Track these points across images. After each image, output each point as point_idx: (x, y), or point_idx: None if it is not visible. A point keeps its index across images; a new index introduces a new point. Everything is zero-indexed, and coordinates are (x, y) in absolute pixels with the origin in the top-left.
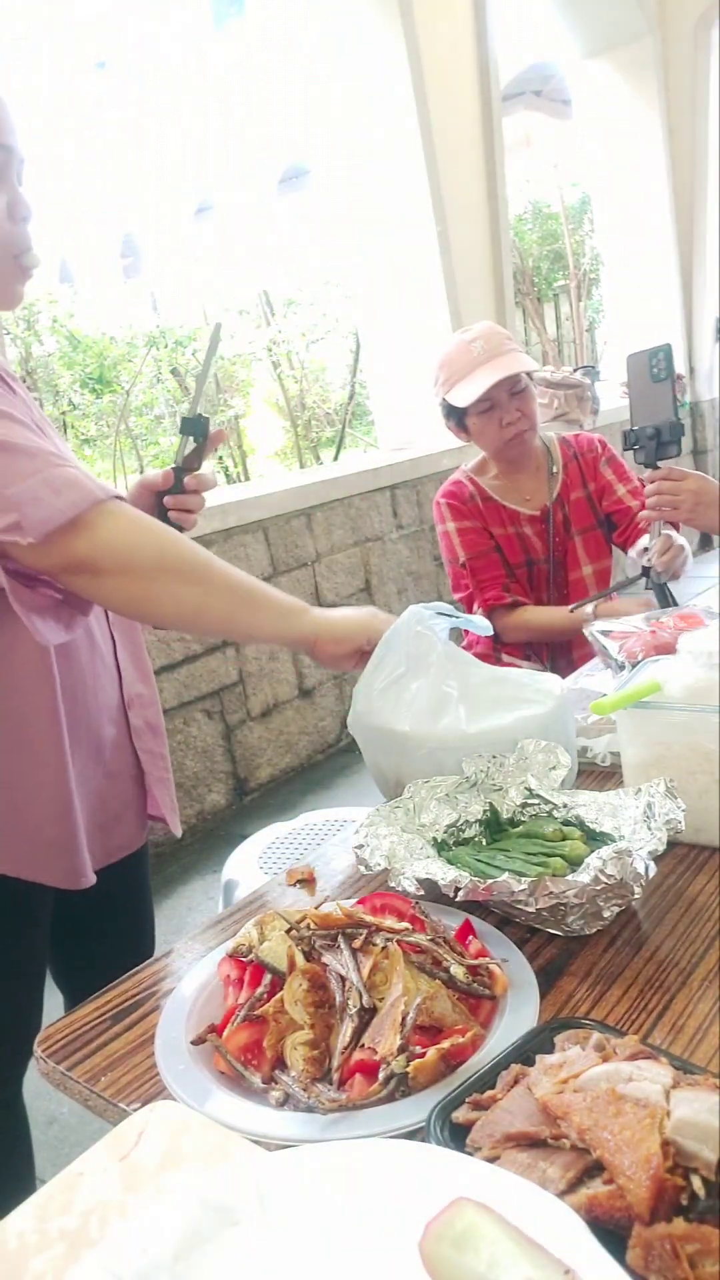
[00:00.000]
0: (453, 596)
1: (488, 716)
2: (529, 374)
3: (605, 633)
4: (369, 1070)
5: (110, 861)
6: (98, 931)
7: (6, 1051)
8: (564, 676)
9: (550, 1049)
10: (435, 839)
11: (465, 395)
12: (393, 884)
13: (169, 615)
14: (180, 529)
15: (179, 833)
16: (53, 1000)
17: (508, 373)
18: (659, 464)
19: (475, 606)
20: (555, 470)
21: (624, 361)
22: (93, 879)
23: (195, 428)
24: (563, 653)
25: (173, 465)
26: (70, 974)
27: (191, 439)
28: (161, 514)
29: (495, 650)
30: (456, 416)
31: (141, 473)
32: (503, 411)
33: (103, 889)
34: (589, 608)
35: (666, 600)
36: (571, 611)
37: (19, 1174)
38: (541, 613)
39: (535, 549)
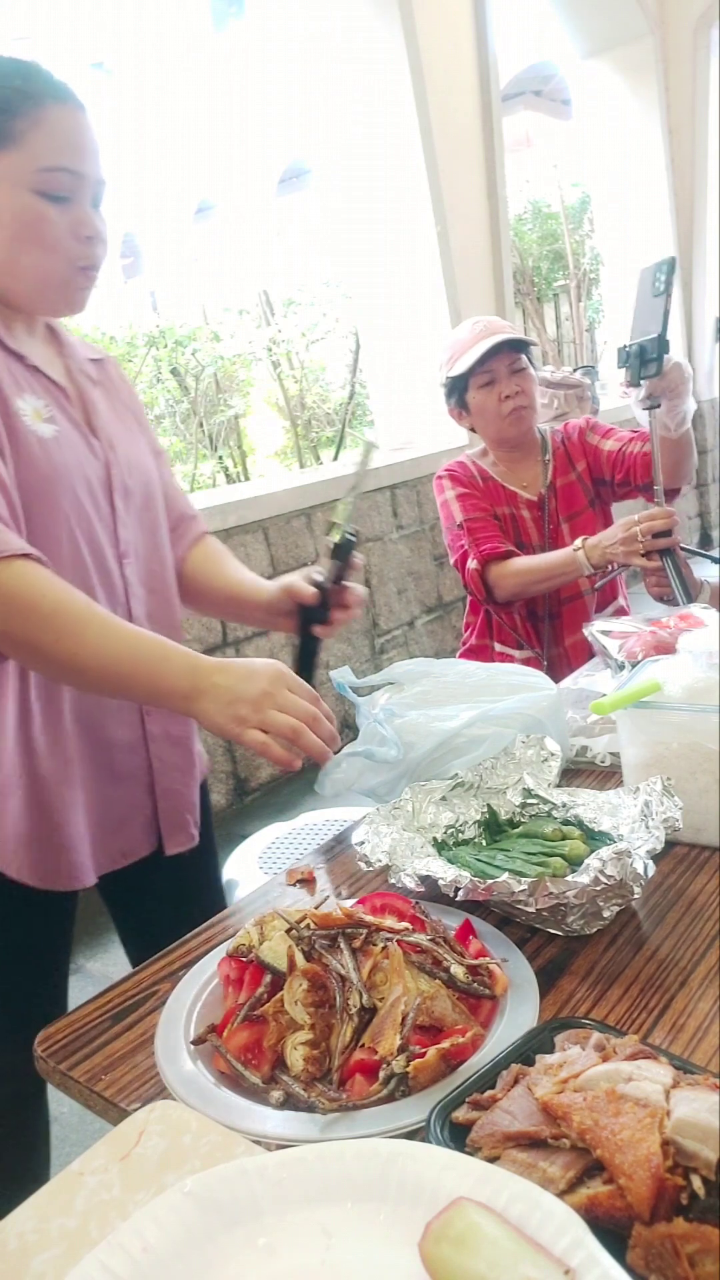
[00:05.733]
0: (453, 571)
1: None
2: (528, 356)
3: (605, 633)
4: (369, 1070)
5: (115, 867)
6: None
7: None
8: (558, 665)
9: (550, 1049)
10: (435, 839)
11: (465, 363)
12: (393, 881)
13: (51, 675)
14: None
15: (169, 851)
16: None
17: (508, 336)
18: (641, 381)
19: (470, 561)
20: (547, 459)
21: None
22: (87, 881)
23: (345, 552)
24: (556, 641)
25: (317, 583)
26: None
27: (338, 561)
28: (305, 623)
29: (488, 640)
30: (458, 394)
31: None
32: (502, 386)
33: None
34: (581, 548)
35: (678, 570)
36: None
37: (36, 1173)
38: (537, 556)
39: (529, 534)
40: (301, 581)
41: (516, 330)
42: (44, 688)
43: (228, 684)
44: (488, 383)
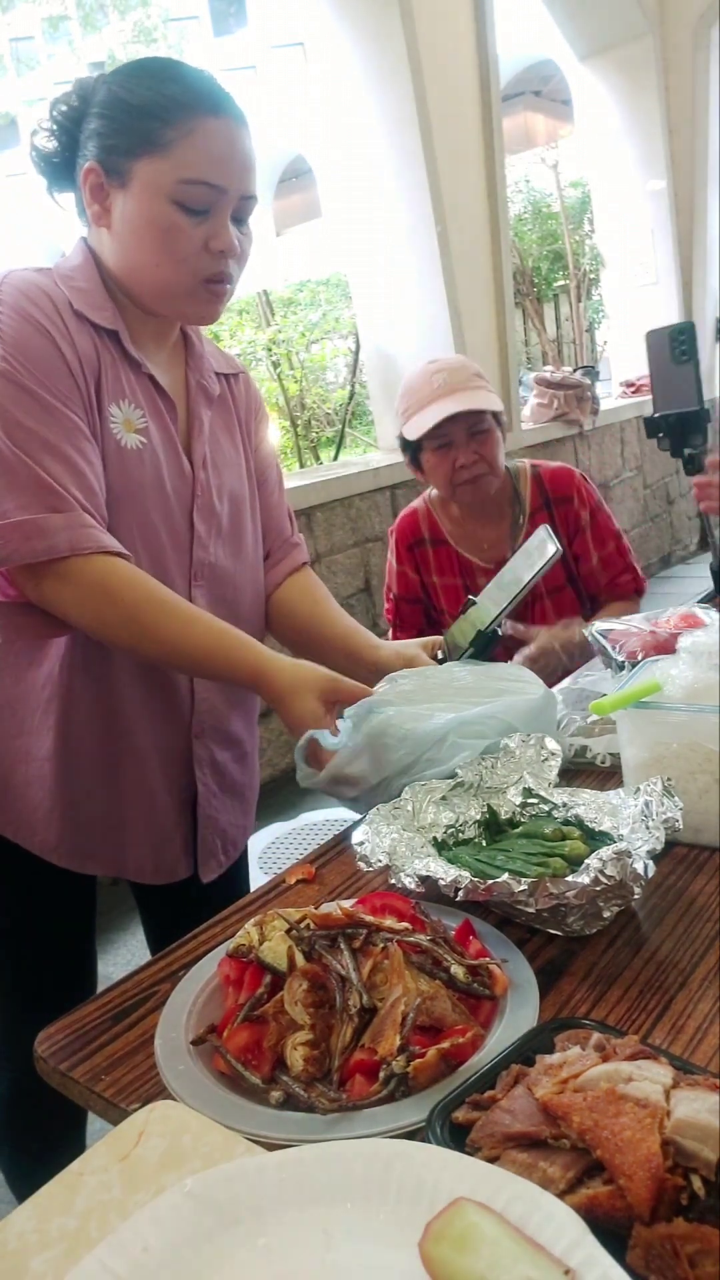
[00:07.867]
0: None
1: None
2: (495, 416)
3: (605, 633)
4: (369, 1070)
5: (152, 880)
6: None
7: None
8: None
9: (550, 1049)
10: (435, 839)
11: (418, 427)
12: (393, 881)
13: (144, 664)
14: None
15: (205, 879)
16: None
17: (465, 408)
18: (685, 454)
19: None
20: (521, 521)
21: (623, 359)
22: (100, 871)
23: (488, 645)
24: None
25: (443, 661)
26: None
27: (473, 649)
28: None
29: None
30: (411, 451)
31: None
32: (459, 452)
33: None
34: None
35: None
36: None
37: (75, 1145)
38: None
39: None
40: (426, 658)
41: (480, 390)
42: (92, 677)
43: (282, 713)
44: (444, 445)
